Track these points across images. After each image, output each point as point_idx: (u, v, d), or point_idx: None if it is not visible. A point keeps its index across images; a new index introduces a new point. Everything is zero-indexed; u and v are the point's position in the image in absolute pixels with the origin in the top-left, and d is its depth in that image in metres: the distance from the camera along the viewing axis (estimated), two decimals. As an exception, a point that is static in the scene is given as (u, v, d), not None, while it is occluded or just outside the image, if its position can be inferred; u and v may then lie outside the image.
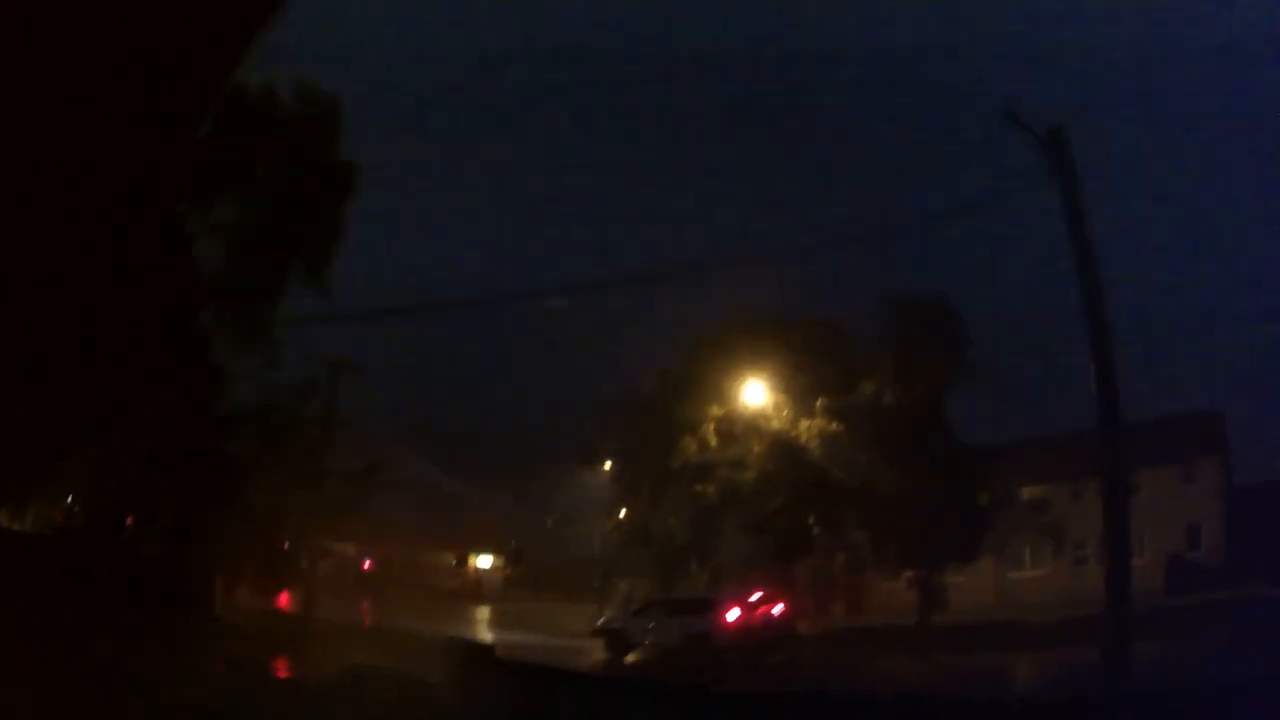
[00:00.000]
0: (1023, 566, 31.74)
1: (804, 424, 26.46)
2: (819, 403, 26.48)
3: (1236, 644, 22.41)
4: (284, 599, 33.33)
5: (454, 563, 36.64)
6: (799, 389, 26.78)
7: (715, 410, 27.10)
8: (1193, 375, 33.04)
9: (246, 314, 25.67)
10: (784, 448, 26.58)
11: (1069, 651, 22.00)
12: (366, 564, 36.14)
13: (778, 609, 24.27)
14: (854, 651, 27.60)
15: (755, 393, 26.94)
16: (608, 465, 30.00)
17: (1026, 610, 29.80)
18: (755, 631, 23.19)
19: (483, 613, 34.85)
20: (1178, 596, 29.59)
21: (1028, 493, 29.27)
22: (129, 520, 26.76)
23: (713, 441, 26.91)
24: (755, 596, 24.07)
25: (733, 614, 23.32)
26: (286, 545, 32.00)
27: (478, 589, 35.46)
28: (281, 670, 24.49)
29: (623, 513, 29.78)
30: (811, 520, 27.30)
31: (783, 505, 26.95)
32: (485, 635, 32.12)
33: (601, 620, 26.38)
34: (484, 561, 36.76)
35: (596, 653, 24.54)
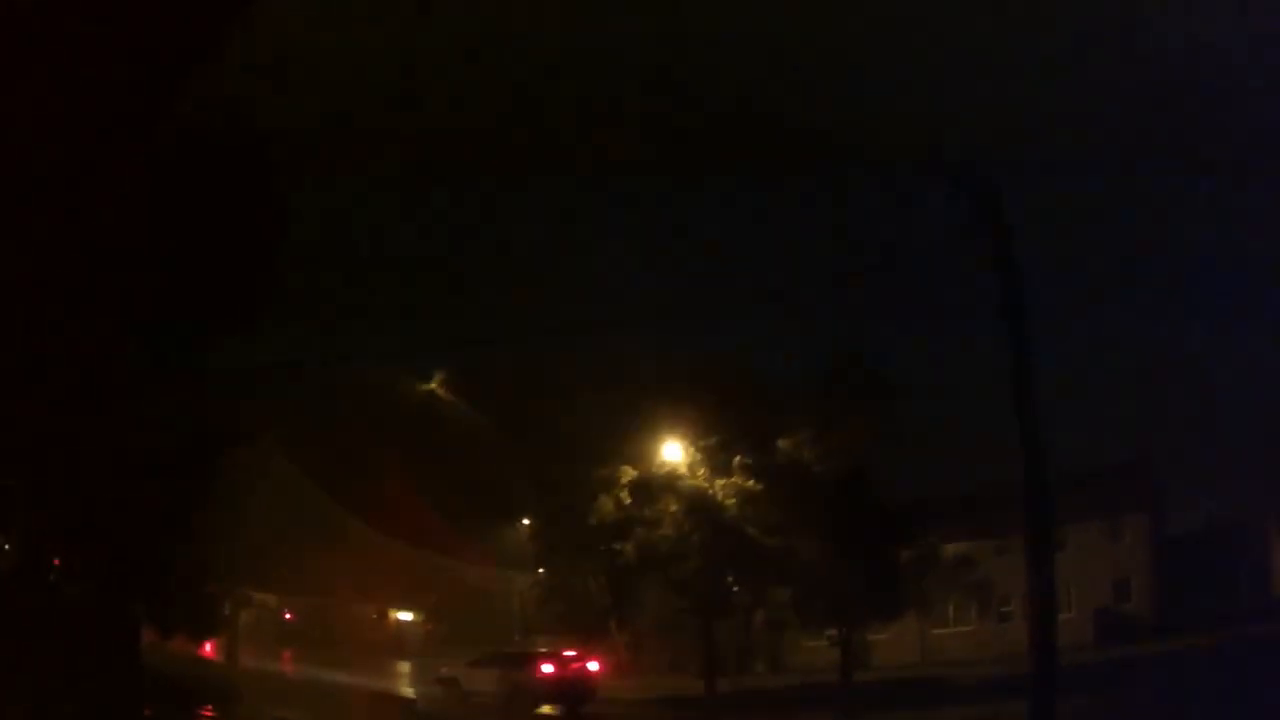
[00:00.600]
0: (947, 623, 31.56)
1: (720, 482, 26.16)
2: (736, 460, 26.17)
3: (1163, 699, 22.41)
4: (209, 648, 32.87)
5: (374, 616, 36.26)
6: (715, 447, 26.47)
7: (629, 470, 26.75)
8: (1128, 423, 32.89)
9: (179, 357, 25.17)
10: (700, 506, 26.27)
11: (994, 707, 21.86)
12: (288, 615, 35.69)
13: (592, 666, 26.83)
14: (773, 710, 27.43)
15: (671, 450, 26.63)
16: (526, 522, 29.70)
17: (952, 667, 29.67)
18: (567, 685, 25.96)
19: (403, 667, 34.59)
20: (1107, 650, 29.47)
21: (952, 549, 29.10)
22: (56, 562, 26.26)
23: (627, 500, 26.56)
24: (569, 653, 26.72)
25: (547, 668, 26.07)
26: (211, 593, 31.55)
27: (399, 643, 35.26)
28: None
29: (541, 571, 29.51)
30: (730, 579, 27.01)
31: (701, 564, 26.64)
32: (406, 689, 31.83)
33: (443, 671, 28.24)
34: (405, 616, 36.34)
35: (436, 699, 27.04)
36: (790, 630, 28.89)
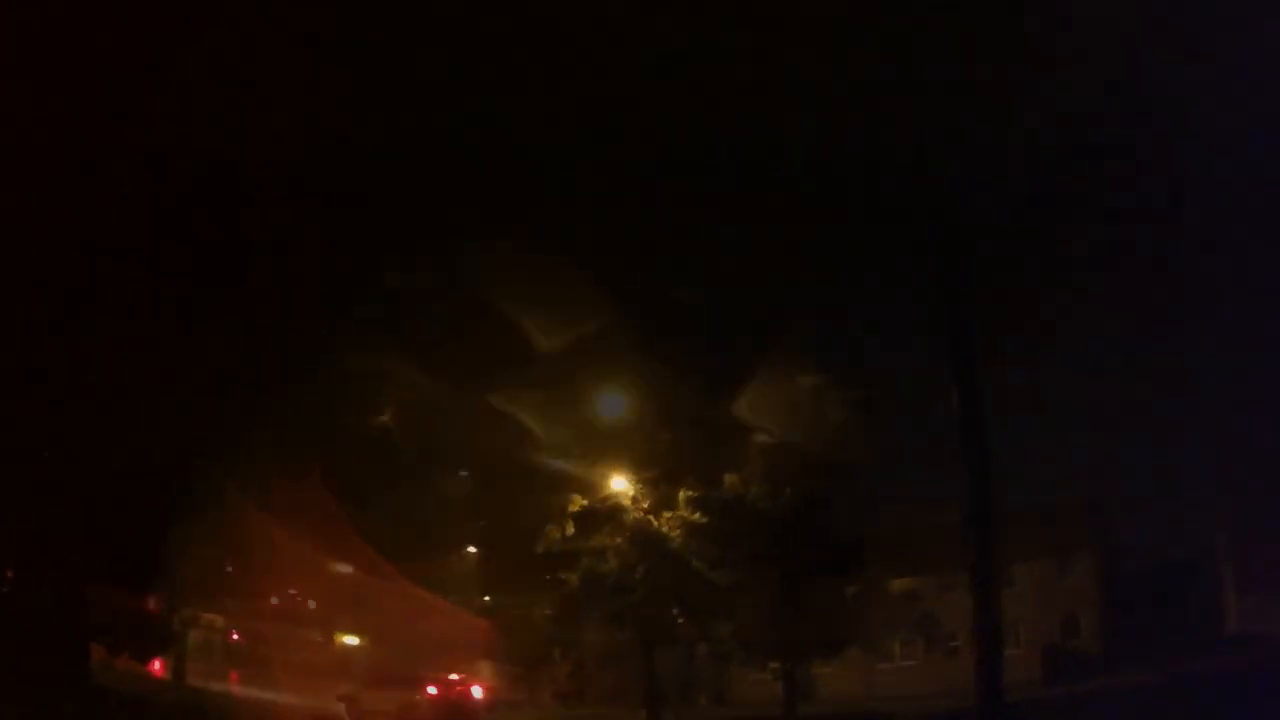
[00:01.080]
0: (893, 658, 31.58)
1: (665, 515, 26.16)
2: (681, 494, 26.17)
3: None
4: (157, 666, 32.76)
5: (320, 640, 36.16)
6: (660, 479, 26.48)
7: (578, 500, 26.73)
8: (1078, 461, 33.00)
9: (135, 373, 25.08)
10: (645, 538, 26.26)
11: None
12: (235, 635, 35.54)
13: (476, 690, 29.87)
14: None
15: (617, 482, 26.64)
16: (471, 550, 29.65)
17: (897, 702, 29.67)
18: (450, 705, 28.68)
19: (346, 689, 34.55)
20: (1055, 687, 29.54)
21: (898, 584, 29.15)
22: (9, 574, 26.10)
23: (571, 531, 26.54)
24: (453, 677, 29.54)
25: (431, 690, 29.07)
26: (160, 612, 31.52)
27: (344, 666, 35.16)
28: None
29: (486, 599, 29.46)
30: (675, 611, 26.99)
31: (644, 596, 26.62)
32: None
33: (344, 690, 30.54)
34: (350, 640, 36.23)
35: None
36: (734, 663, 28.86)
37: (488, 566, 29.29)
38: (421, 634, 31.06)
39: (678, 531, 25.99)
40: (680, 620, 27.16)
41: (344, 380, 25.83)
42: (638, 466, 26.48)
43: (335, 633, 35.81)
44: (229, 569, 31.48)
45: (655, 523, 26.21)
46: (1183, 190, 20.68)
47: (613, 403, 25.82)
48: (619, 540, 26.49)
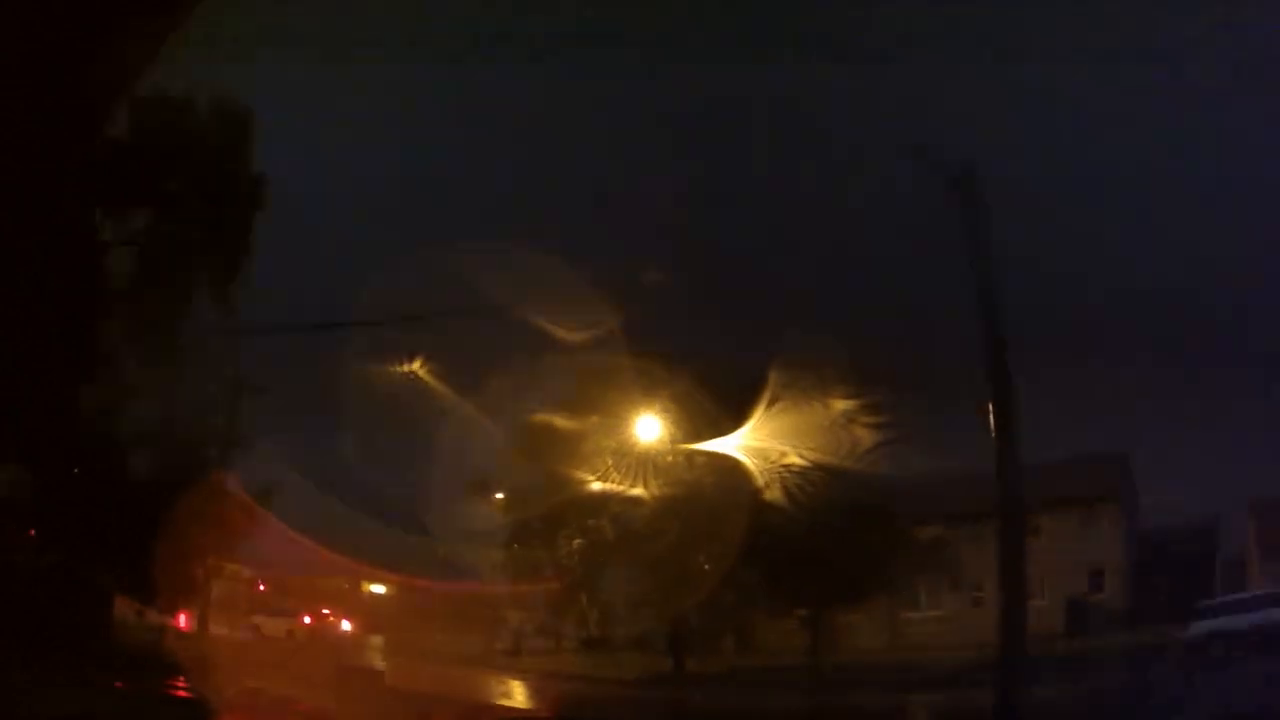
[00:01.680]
0: (919, 607, 31.56)
1: (700, 459, 26.11)
2: (714, 439, 26.10)
3: (1132, 688, 22.46)
4: (182, 619, 32.96)
5: (347, 588, 36.38)
6: (695, 423, 26.38)
7: (610, 442, 26.67)
8: (1107, 412, 32.66)
9: (154, 327, 25.17)
10: (678, 483, 26.25)
11: (962, 694, 21.90)
12: (261, 586, 35.79)
13: (344, 624, 35.96)
14: (742, 691, 27.47)
15: (650, 426, 26.57)
16: (499, 496, 29.65)
17: (922, 651, 29.68)
18: (319, 633, 34.74)
19: (375, 640, 34.81)
20: (1078, 640, 29.52)
21: (925, 533, 29.10)
22: (31, 532, 26.26)
23: (608, 475, 26.53)
24: (325, 611, 35.50)
25: (305, 619, 35.16)
26: (185, 564, 31.64)
27: (372, 615, 35.49)
28: (180, 691, 24.10)
29: (514, 546, 29.54)
30: (702, 558, 26.98)
31: (675, 541, 26.63)
32: (377, 662, 31.86)
33: (253, 618, 35.05)
34: (377, 588, 36.43)
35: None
36: (759, 611, 28.92)
37: (513, 512, 29.35)
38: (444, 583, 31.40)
39: (711, 477, 25.97)
40: (707, 567, 27.15)
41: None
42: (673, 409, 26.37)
43: (363, 580, 35.98)
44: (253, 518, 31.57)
45: (689, 467, 26.17)
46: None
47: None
48: (652, 484, 26.47)
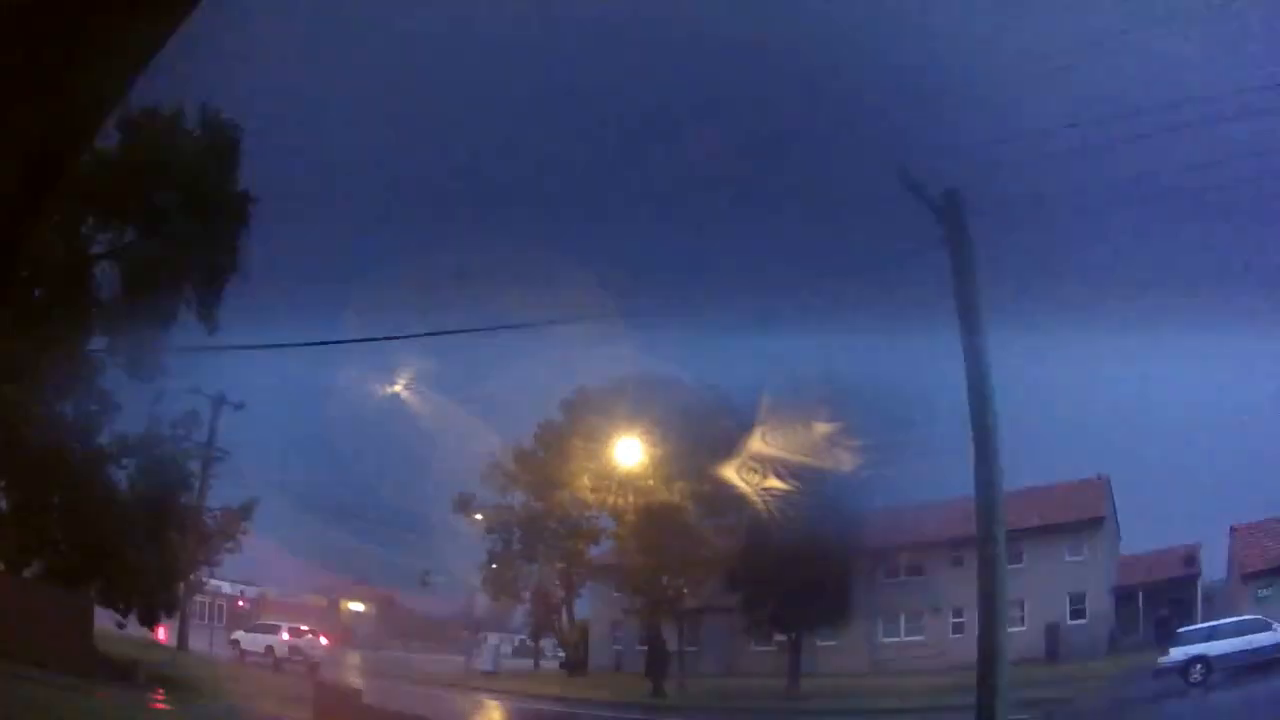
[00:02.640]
0: (898, 633, 31.49)
1: (678, 485, 26.10)
2: (694, 465, 26.11)
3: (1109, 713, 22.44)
4: (162, 632, 32.81)
5: (326, 606, 36.30)
6: (677, 450, 26.41)
7: (591, 466, 26.67)
8: (1085, 442, 32.82)
9: (138, 341, 25.08)
10: (657, 508, 26.21)
11: (939, 717, 21.85)
12: (241, 602, 35.65)
13: (322, 639, 35.06)
14: (723, 714, 27.41)
15: (632, 451, 26.57)
16: (479, 517, 29.58)
17: (901, 676, 29.61)
18: (298, 649, 34.13)
19: (353, 658, 34.75)
20: (1058, 665, 29.51)
21: (906, 558, 29.10)
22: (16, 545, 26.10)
23: (588, 498, 26.50)
24: (304, 628, 34.78)
25: (285, 635, 34.30)
26: (166, 578, 31.54)
27: (348, 635, 35.37)
28: (159, 704, 23.98)
29: (493, 566, 29.42)
30: (681, 582, 26.98)
31: (655, 565, 26.61)
32: (355, 680, 31.71)
33: (235, 634, 35.33)
34: (356, 607, 36.34)
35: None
36: (739, 635, 28.86)
37: (495, 533, 29.29)
38: (423, 602, 31.36)
39: (689, 503, 25.95)
40: (686, 590, 27.16)
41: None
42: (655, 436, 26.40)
43: (341, 599, 35.93)
44: (232, 534, 31.58)
45: (668, 493, 26.15)
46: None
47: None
48: (631, 509, 26.45)
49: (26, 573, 24.46)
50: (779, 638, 27.99)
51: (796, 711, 26.44)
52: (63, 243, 22.88)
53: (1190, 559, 33.74)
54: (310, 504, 29.15)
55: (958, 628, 30.00)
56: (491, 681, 31.83)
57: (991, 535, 21.00)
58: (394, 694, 27.50)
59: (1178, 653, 25.08)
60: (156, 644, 32.20)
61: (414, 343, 25.94)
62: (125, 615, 29.43)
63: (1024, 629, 29.82)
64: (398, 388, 26.52)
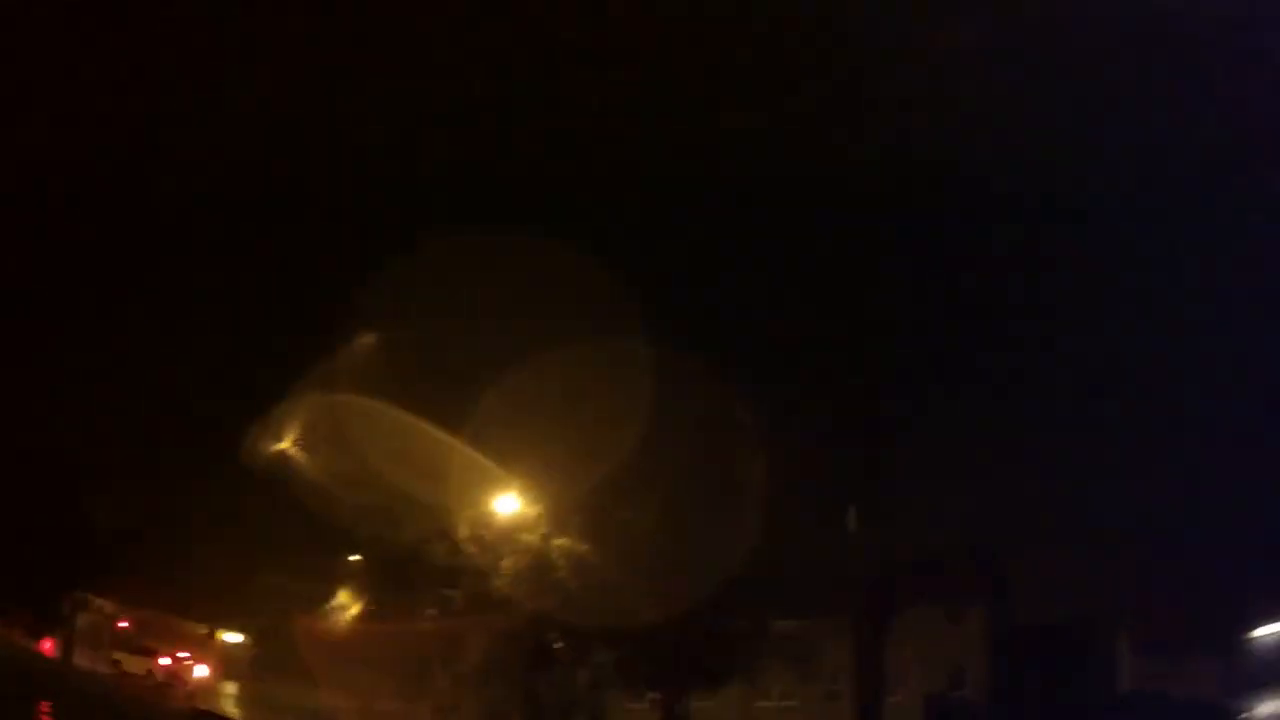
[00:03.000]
0: (771, 697, 31.57)
1: (556, 542, 26.13)
2: (573, 521, 26.18)
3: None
4: (47, 645, 32.85)
5: (204, 634, 36.38)
6: (556, 503, 26.47)
7: (469, 515, 26.65)
8: (975, 512, 32.95)
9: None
10: (534, 563, 26.23)
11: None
12: (123, 623, 35.62)
13: (201, 668, 36.79)
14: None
15: (509, 503, 26.59)
16: (355, 558, 29.54)
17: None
18: (175, 675, 36.02)
19: (229, 688, 34.78)
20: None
21: (782, 625, 29.16)
22: None
23: (464, 548, 26.47)
24: (183, 654, 36.47)
25: (164, 661, 36.25)
26: (52, 592, 31.53)
27: (225, 663, 35.44)
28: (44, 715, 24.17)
29: (371, 609, 29.38)
30: (554, 635, 27.02)
31: (528, 620, 26.65)
32: (230, 709, 31.79)
33: (115, 656, 35.91)
34: (232, 637, 36.33)
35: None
36: (612, 691, 28.91)
37: (372, 576, 29.29)
38: (305, 634, 31.32)
39: (564, 560, 25.99)
40: (560, 645, 27.20)
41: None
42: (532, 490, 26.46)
43: (219, 628, 35.93)
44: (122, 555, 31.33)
45: (545, 548, 26.17)
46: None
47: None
48: (508, 562, 26.43)
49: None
50: (653, 696, 28.10)
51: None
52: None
53: (1080, 630, 34.02)
54: (196, 530, 28.94)
55: (832, 695, 30.26)
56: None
57: (870, 602, 21.19)
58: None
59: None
60: (43, 656, 32.19)
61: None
62: (10, 627, 29.36)
63: (901, 699, 30.21)
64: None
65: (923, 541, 30.70)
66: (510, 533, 26.51)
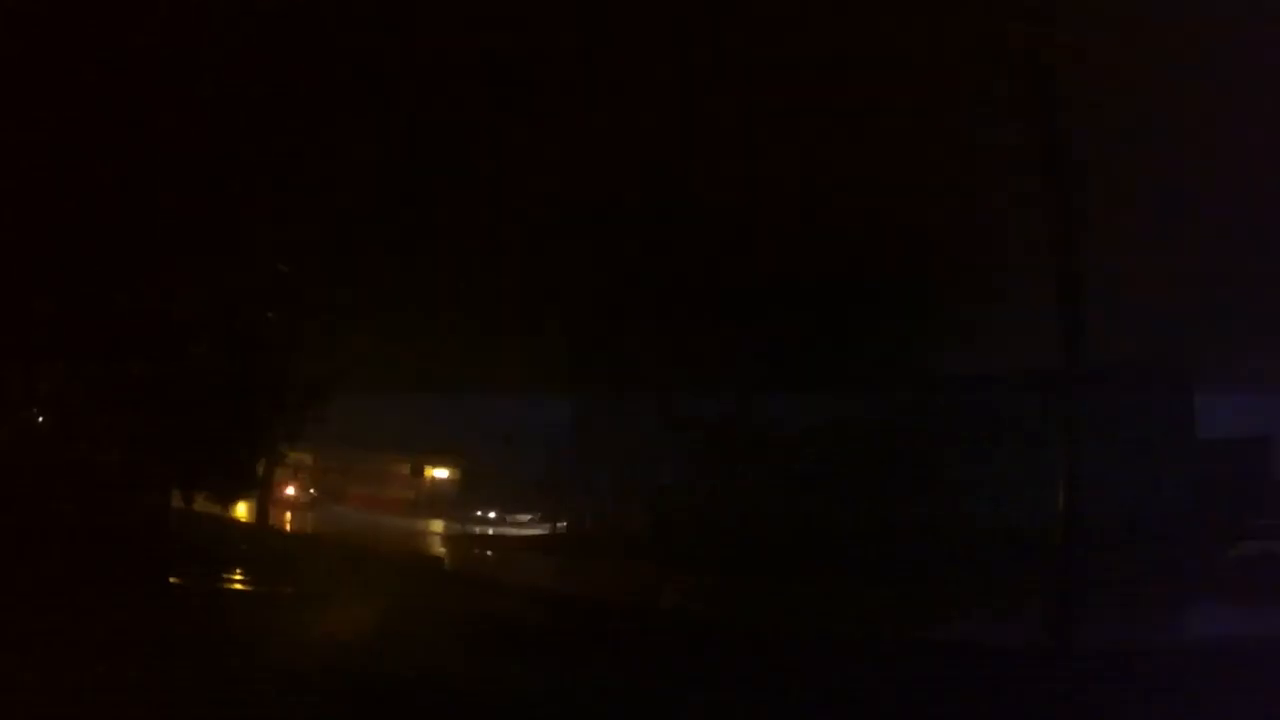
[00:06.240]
0: None
1: None
2: None
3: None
4: (241, 509, 32.97)
5: (409, 473, 36.42)
6: None
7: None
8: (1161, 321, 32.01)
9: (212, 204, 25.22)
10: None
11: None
12: (324, 471, 36.04)
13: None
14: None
15: None
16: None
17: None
18: None
19: (437, 525, 35.26)
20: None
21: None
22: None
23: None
24: None
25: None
26: (245, 454, 31.54)
27: (433, 501, 35.69)
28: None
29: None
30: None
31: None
32: (438, 549, 32.27)
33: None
34: (440, 473, 36.60)
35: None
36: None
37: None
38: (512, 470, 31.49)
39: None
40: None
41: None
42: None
43: (425, 466, 36.10)
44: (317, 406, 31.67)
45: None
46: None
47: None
48: None
49: (99, 456, 24.35)
50: None
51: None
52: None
53: (1261, 447, 33.26)
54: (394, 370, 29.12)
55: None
56: None
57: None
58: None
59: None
60: (235, 521, 32.06)
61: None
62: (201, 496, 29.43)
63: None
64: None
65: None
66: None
